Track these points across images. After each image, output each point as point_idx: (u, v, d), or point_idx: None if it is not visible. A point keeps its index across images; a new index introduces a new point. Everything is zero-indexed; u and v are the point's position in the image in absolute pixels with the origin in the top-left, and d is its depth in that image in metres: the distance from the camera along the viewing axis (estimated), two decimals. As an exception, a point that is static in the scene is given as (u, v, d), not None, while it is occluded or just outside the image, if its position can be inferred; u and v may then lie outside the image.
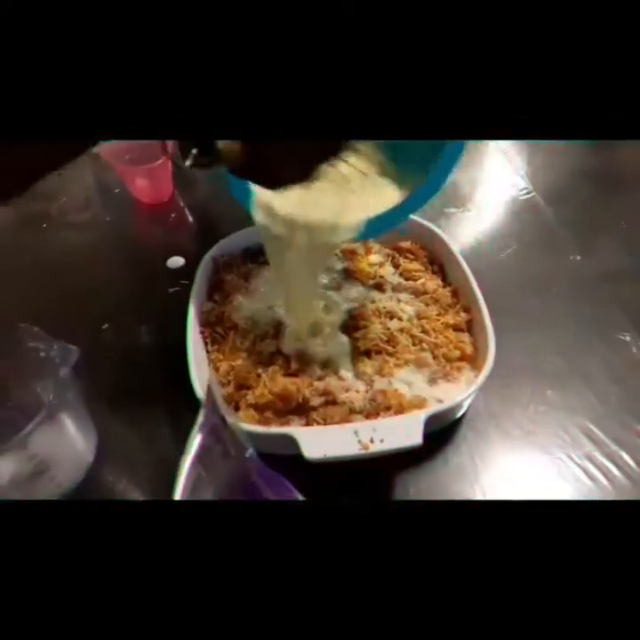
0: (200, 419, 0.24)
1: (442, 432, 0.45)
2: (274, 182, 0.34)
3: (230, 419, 0.25)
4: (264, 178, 0.34)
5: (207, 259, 0.53)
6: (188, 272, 0.59)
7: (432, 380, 0.46)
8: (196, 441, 0.23)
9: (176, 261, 0.62)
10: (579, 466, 0.44)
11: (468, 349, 0.46)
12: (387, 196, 0.39)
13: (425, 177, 0.40)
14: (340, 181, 0.33)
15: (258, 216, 0.41)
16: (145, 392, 0.49)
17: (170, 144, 0.65)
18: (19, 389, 0.42)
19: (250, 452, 0.25)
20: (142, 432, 0.46)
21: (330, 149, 0.32)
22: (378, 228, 0.42)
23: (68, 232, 0.65)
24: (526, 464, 0.44)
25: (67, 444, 0.40)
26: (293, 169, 0.33)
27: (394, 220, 0.42)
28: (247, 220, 0.56)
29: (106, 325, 0.55)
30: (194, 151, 0.29)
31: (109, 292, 0.59)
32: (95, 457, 0.43)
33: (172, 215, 0.68)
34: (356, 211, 0.39)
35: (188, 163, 0.29)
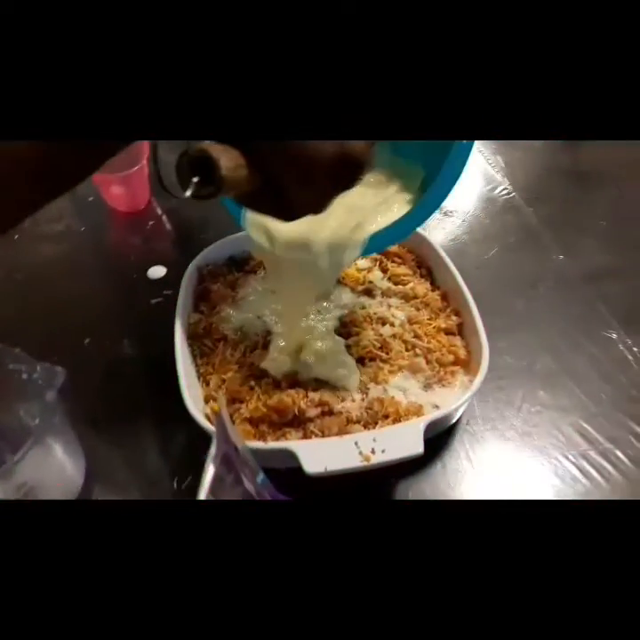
0: (212, 449, 0.22)
1: (438, 437, 0.45)
2: (286, 213, 0.31)
3: (242, 446, 0.24)
4: (275, 208, 0.31)
5: (192, 268, 0.52)
6: (169, 282, 0.57)
7: (427, 386, 0.45)
8: (208, 474, 0.22)
9: (157, 271, 0.60)
10: (574, 465, 0.44)
11: (462, 353, 0.46)
12: (395, 211, 0.39)
13: (422, 171, 0.40)
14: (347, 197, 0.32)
15: (254, 235, 0.41)
16: (132, 409, 0.48)
17: (147, 148, 0.63)
18: (0, 413, 0.40)
19: (261, 477, 0.24)
20: (131, 452, 0.45)
21: (349, 174, 0.30)
22: (384, 242, 0.42)
23: (41, 244, 0.63)
24: (523, 465, 0.45)
25: (55, 471, 0.38)
26: (309, 197, 0.30)
27: (399, 235, 0.42)
28: (228, 227, 0.55)
29: (87, 340, 0.53)
30: (194, 180, 0.27)
31: (88, 306, 0.57)
32: (84, 481, 0.42)
33: (150, 223, 0.66)
34: (364, 228, 0.39)
35: (188, 193, 0.27)
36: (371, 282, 0.52)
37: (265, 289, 0.51)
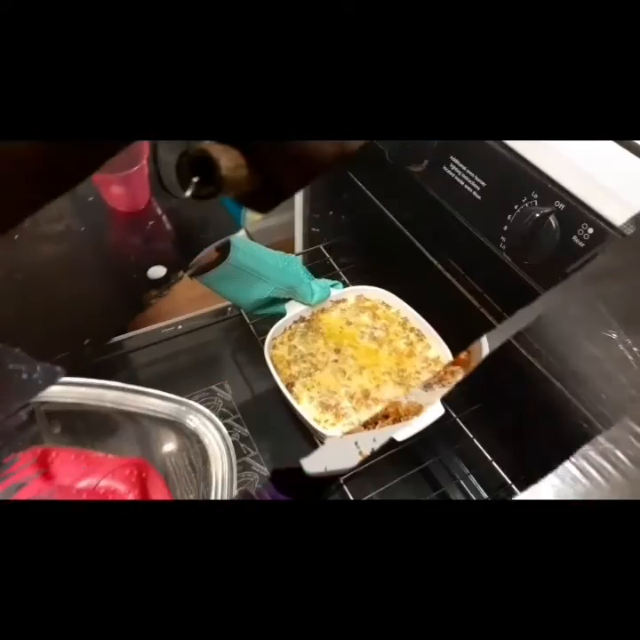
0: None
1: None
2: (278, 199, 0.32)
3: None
4: (274, 208, 0.31)
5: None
6: (170, 282, 0.57)
7: (427, 385, 0.45)
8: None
9: (157, 271, 0.60)
10: (574, 465, 0.44)
11: (462, 353, 0.46)
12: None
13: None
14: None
15: None
16: (132, 409, 0.48)
17: (147, 148, 0.63)
18: (0, 413, 0.39)
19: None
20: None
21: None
22: None
23: (41, 244, 0.63)
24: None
25: (55, 470, 0.38)
26: (296, 179, 0.30)
27: None
28: (228, 227, 0.55)
29: (87, 341, 0.53)
30: (194, 180, 0.27)
31: (88, 306, 0.57)
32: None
33: (150, 223, 0.66)
34: None
35: (188, 193, 0.27)
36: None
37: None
